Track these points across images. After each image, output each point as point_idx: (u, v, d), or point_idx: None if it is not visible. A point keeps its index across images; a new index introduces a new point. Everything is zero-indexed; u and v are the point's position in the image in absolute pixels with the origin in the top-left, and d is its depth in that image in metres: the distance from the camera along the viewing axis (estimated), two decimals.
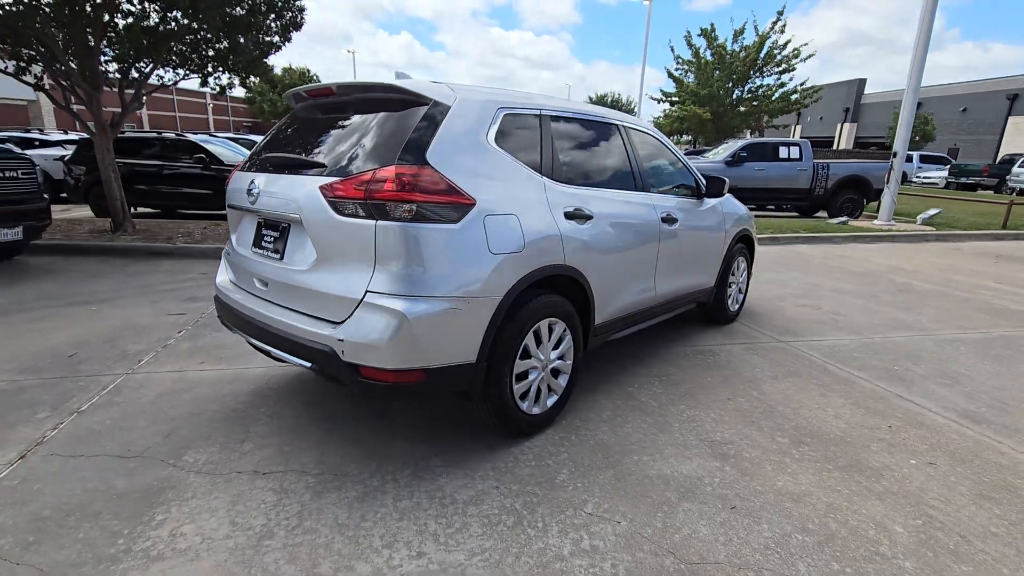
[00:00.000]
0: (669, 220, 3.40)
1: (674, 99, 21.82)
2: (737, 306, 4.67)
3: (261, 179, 2.42)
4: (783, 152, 12.89)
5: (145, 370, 3.25)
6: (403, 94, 2.27)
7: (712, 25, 20.18)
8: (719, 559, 1.84)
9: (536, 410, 2.59)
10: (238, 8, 7.84)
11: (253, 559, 1.78)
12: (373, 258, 2.03)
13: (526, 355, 2.46)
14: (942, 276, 6.70)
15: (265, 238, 2.49)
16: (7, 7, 5.93)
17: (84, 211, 9.87)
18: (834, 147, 38.51)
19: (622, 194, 3.08)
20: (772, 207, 13.67)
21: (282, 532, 1.91)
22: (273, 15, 8.36)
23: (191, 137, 10.15)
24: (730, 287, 4.45)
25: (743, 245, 4.54)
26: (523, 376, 2.48)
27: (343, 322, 2.07)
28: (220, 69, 8.75)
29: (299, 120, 2.68)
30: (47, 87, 7.88)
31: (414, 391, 2.17)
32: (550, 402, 2.68)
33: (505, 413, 2.42)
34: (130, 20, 7.42)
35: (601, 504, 2.12)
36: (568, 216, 2.59)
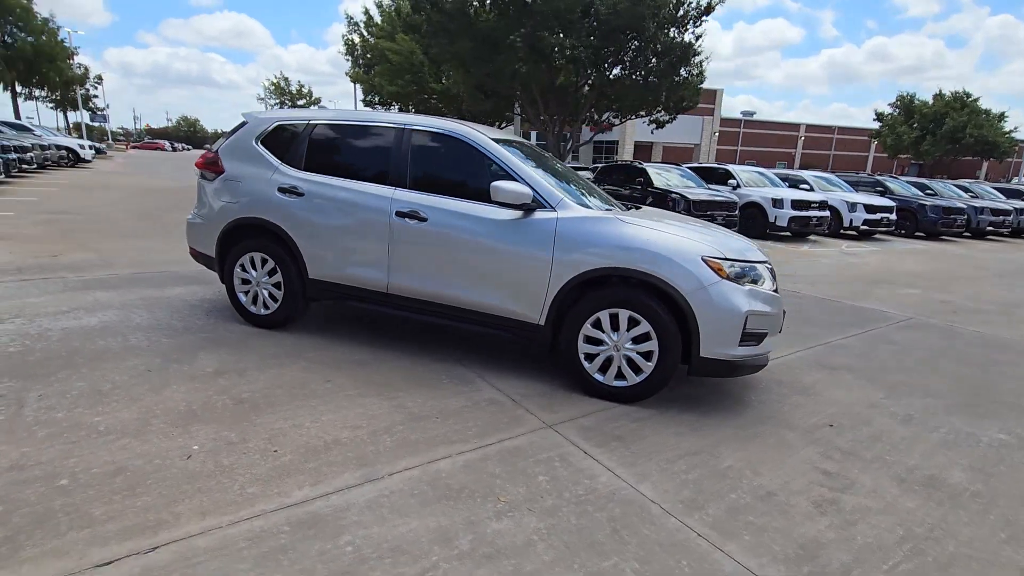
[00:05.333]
0: (412, 216, 3.48)
1: None
2: (623, 383, 3.18)
3: None
4: None
5: None
6: (244, 118, 4.29)
7: None
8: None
9: (253, 309, 4.06)
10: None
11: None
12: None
13: (246, 270, 4.02)
14: None
15: None
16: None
17: None
18: None
19: (352, 183, 3.66)
20: None
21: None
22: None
23: (640, 165, 12.61)
24: (598, 345, 3.20)
25: (650, 300, 3.03)
26: (246, 283, 4.05)
27: None
28: (655, 110, 10.85)
29: None
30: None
31: (196, 260, 4.32)
32: (263, 311, 4.03)
33: (235, 303, 4.11)
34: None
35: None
36: (281, 190, 3.81)
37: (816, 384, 3.78)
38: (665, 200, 11.28)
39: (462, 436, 2.71)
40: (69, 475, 2.18)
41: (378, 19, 13.34)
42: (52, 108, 43.79)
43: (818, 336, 4.97)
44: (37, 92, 33.33)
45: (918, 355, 4.60)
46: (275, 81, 53.17)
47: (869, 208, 13.65)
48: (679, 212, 10.92)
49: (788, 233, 12.91)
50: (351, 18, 21.55)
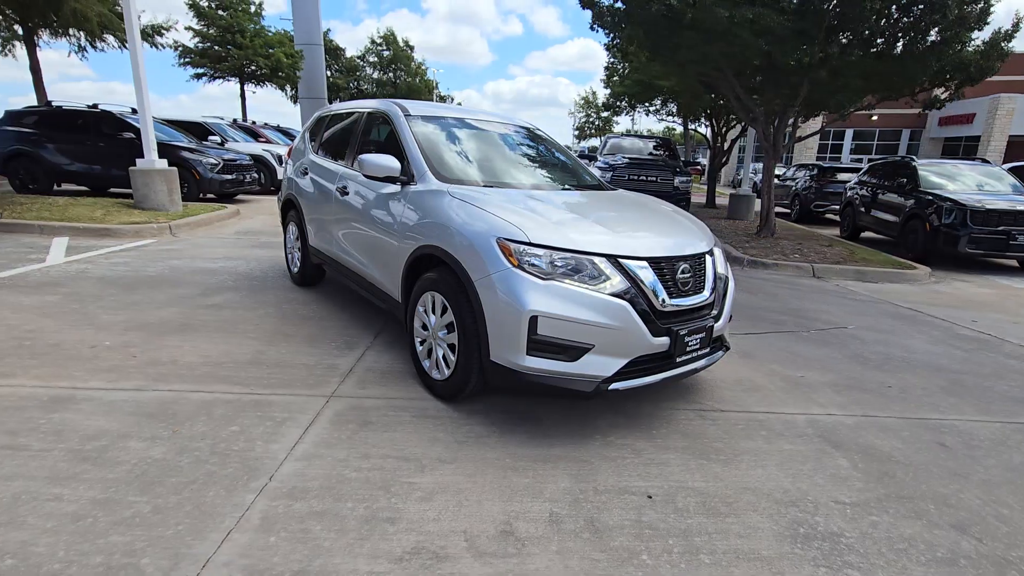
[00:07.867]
0: (343, 192, 3.79)
1: None
2: (438, 376, 2.85)
3: None
4: None
5: None
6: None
7: None
8: None
9: (292, 268, 5.03)
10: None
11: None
12: None
13: (288, 236, 5.02)
14: None
15: None
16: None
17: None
18: None
19: (333, 163, 4.16)
20: None
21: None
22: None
23: (913, 162, 9.34)
24: (425, 330, 2.96)
25: (455, 284, 2.68)
26: (290, 247, 5.05)
27: None
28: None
29: None
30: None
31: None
32: (295, 270, 4.94)
33: (286, 261, 5.18)
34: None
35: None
36: (299, 171, 4.63)
37: (751, 453, 2.53)
38: (928, 207, 8.21)
39: (252, 384, 2.95)
40: (33, 339, 3.36)
41: None
42: None
43: (934, 407, 3.18)
44: None
45: None
46: (584, 96, 57.73)
47: None
48: (946, 222, 7.80)
49: None
50: None
